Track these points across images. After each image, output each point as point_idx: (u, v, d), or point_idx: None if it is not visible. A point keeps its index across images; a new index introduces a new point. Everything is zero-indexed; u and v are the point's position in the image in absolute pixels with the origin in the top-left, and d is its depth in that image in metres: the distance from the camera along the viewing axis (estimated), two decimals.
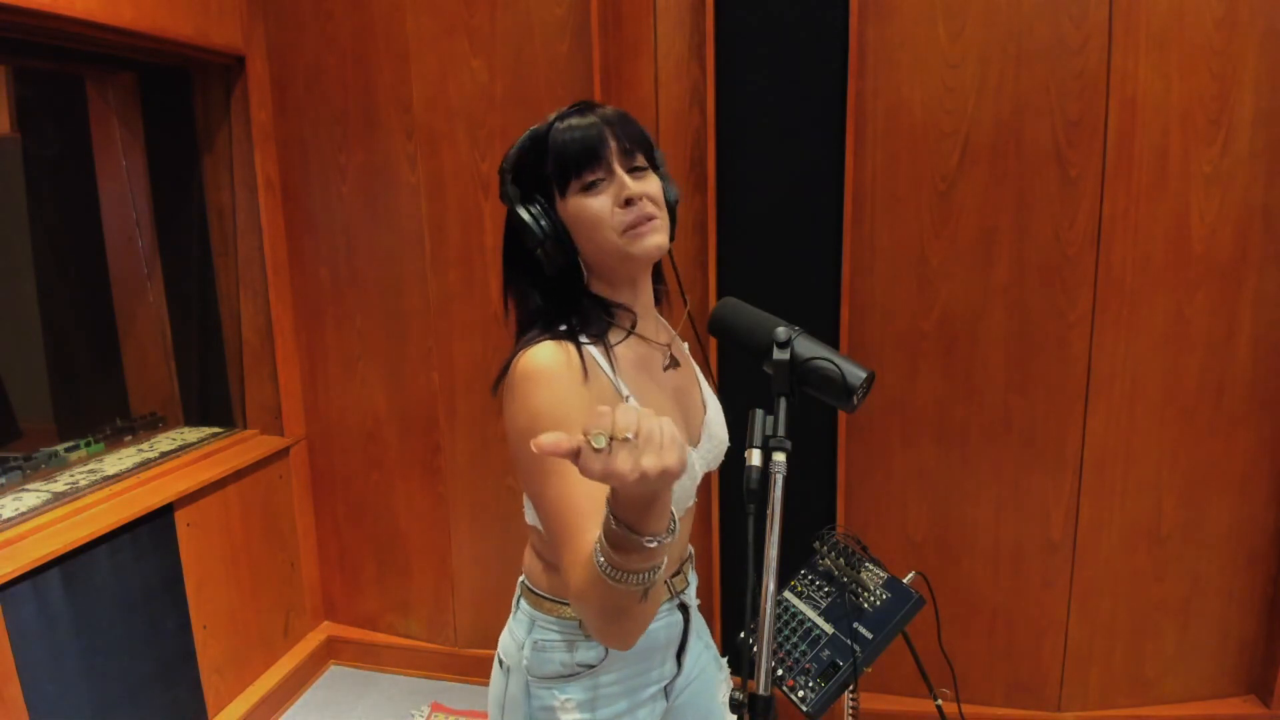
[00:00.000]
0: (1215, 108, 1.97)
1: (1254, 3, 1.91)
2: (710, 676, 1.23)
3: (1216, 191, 2.01)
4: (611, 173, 0.98)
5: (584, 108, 1.01)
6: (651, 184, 1.00)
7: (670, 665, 1.14)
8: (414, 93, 2.38)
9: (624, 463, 0.63)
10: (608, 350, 1.01)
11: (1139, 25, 1.94)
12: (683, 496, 1.05)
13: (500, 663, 1.12)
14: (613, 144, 0.98)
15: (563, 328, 0.99)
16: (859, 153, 2.10)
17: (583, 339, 0.99)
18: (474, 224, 2.42)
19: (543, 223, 0.99)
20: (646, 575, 0.74)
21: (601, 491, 0.87)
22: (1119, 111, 1.99)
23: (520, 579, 1.14)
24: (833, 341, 2.06)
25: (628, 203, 0.97)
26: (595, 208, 0.97)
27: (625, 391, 1.00)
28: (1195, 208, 2.02)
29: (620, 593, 0.75)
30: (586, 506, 0.86)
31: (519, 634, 1.09)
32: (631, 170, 0.99)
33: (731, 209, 2.14)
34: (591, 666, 1.06)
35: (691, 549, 1.22)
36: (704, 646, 1.23)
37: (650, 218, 0.98)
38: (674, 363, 1.12)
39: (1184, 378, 2.10)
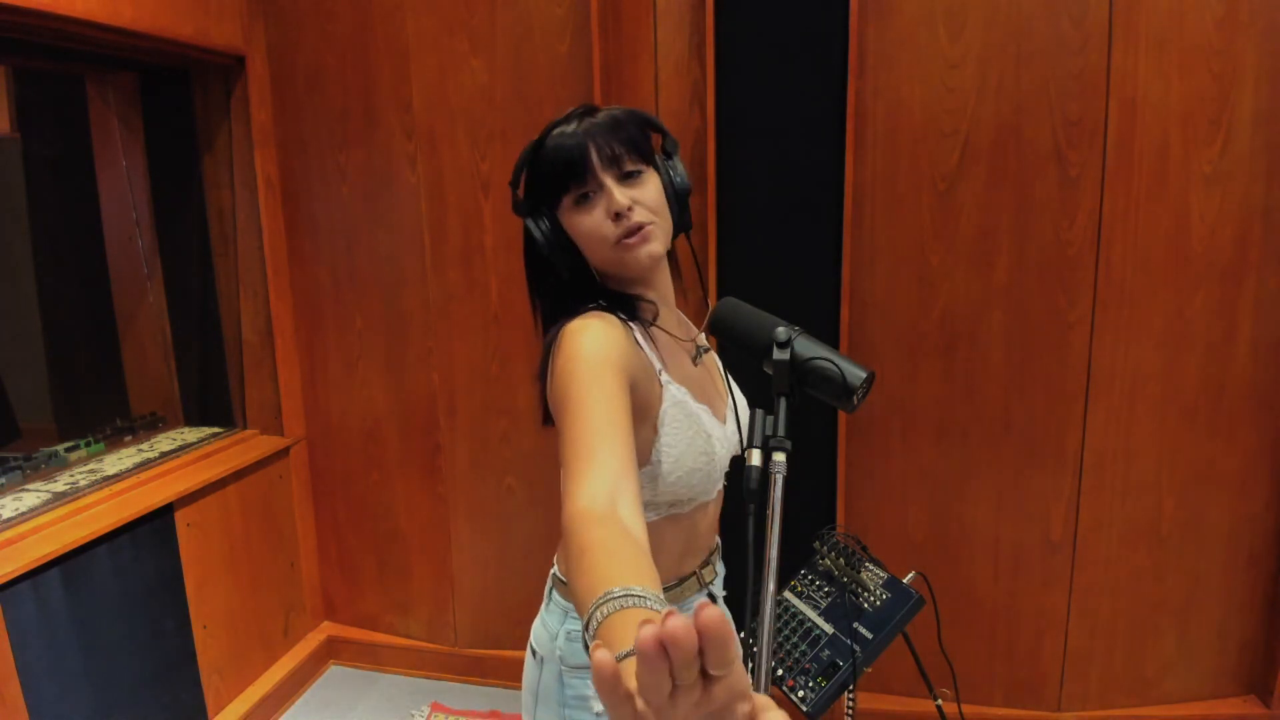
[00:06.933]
0: (1215, 108, 1.96)
1: (1254, 3, 1.91)
2: None
3: (1216, 191, 2.00)
4: (600, 184, 0.97)
5: (578, 115, 1.00)
6: (644, 189, 0.98)
7: None
8: (414, 93, 2.38)
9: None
10: (645, 328, 1.03)
11: (1139, 25, 1.94)
12: (708, 484, 1.06)
13: (533, 652, 1.13)
14: (594, 155, 0.96)
15: (601, 301, 1.01)
16: (859, 153, 2.10)
17: (621, 315, 1.01)
18: (474, 224, 2.42)
19: (549, 235, 1.00)
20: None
21: (617, 415, 0.84)
22: (1119, 111, 1.99)
23: (552, 570, 1.16)
24: (833, 341, 2.06)
25: (616, 216, 0.96)
26: (587, 224, 0.98)
27: (658, 367, 1.01)
28: (1195, 208, 2.02)
29: None
30: (605, 429, 0.84)
31: (552, 625, 1.10)
32: (623, 176, 0.98)
33: (731, 209, 2.14)
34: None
35: (719, 540, 1.23)
36: None
37: (641, 227, 0.97)
38: (701, 353, 1.14)
39: (1184, 378, 2.10)
